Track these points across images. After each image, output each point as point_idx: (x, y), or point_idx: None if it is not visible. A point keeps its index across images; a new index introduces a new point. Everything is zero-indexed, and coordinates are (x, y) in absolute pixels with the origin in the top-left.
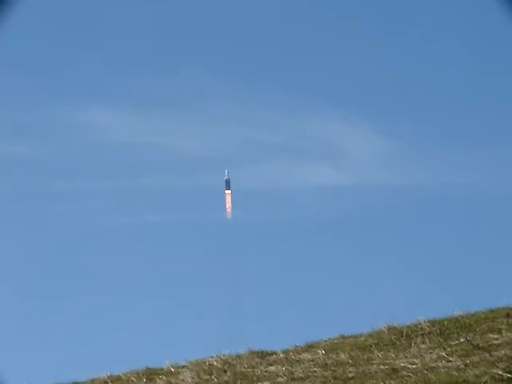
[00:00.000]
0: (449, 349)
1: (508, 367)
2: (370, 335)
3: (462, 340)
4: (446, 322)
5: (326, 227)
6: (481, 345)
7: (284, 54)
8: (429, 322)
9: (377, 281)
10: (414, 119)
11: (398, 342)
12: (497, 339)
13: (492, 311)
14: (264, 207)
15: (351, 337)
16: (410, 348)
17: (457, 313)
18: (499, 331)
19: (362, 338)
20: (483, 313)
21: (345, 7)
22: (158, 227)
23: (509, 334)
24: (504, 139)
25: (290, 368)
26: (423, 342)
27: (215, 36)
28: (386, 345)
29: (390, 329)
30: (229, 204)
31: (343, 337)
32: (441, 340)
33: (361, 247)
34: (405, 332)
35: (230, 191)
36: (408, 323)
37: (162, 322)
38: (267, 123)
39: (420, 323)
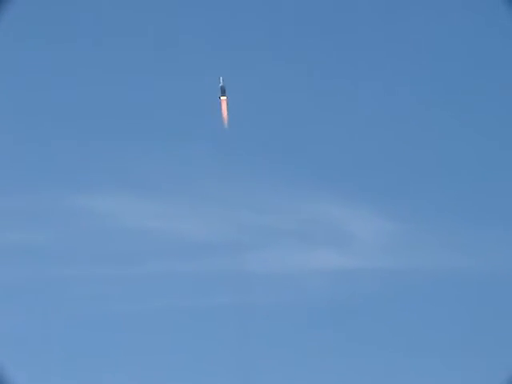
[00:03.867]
0: None
1: None
2: None
3: None
4: None
5: (332, 311)
6: None
7: (288, 139)
8: None
9: (378, 368)
10: (417, 202)
11: None
12: None
13: None
14: (271, 291)
15: None
16: None
17: None
18: None
19: None
20: None
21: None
22: (165, 313)
23: None
24: (507, 221)
25: None
26: None
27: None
28: None
29: None
30: (224, 110)
31: None
32: None
33: (365, 332)
34: None
35: (225, 97)
36: None
37: None
38: (273, 208)
39: None
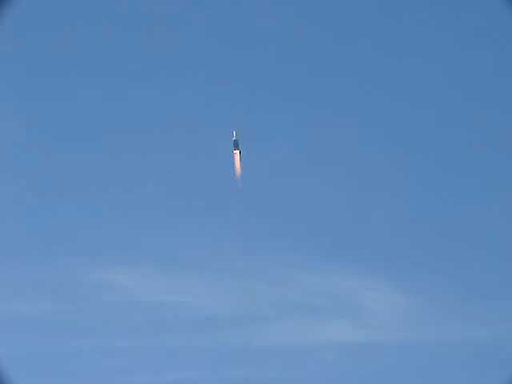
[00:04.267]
0: None
1: None
2: None
3: None
4: None
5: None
6: None
7: (302, 213)
8: None
9: None
10: (431, 276)
11: None
12: None
13: None
14: (284, 364)
15: None
16: None
17: None
18: None
19: None
20: None
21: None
22: None
23: None
24: None
25: None
26: None
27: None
28: None
29: None
30: (238, 163)
31: None
32: None
33: None
34: None
35: (238, 151)
36: None
37: None
38: (287, 281)
39: None
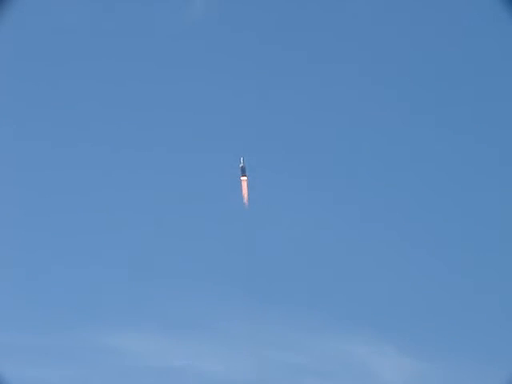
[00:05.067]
0: None
1: None
2: None
3: None
4: None
5: None
6: None
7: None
8: None
9: None
10: (441, 341)
11: None
12: None
13: None
14: None
15: None
16: None
17: None
18: None
19: None
20: None
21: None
22: None
23: None
24: None
25: None
26: None
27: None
28: None
29: None
30: (245, 190)
31: None
32: None
33: None
34: None
35: (245, 178)
36: None
37: None
38: (297, 346)
39: None
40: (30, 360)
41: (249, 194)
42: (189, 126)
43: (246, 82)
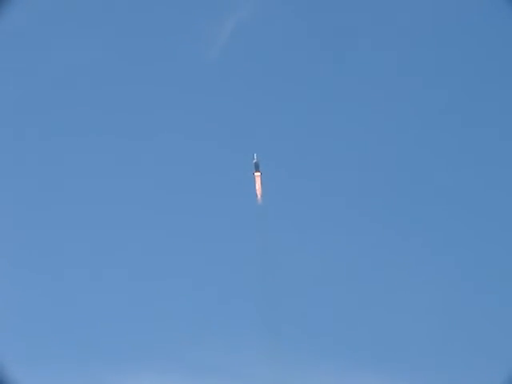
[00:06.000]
0: None
1: None
2: None
3: None
4: None
5: None
6: None
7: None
8: None
9: None
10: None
11: None
12: None
13: None
14: None
15: None
16: None
17: None
18: None
19: None
20: None
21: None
22: None
23: None
24: None
25: None
26: None
27: None
28: None
29: None
30: (259, 186)
31: None
32: None
33: None
34: None
35: (259, 173)
36: None
37: None
38: None
39: None
40: None
41: (262, 190)
42: (204, 122)
43: (261, 81)
